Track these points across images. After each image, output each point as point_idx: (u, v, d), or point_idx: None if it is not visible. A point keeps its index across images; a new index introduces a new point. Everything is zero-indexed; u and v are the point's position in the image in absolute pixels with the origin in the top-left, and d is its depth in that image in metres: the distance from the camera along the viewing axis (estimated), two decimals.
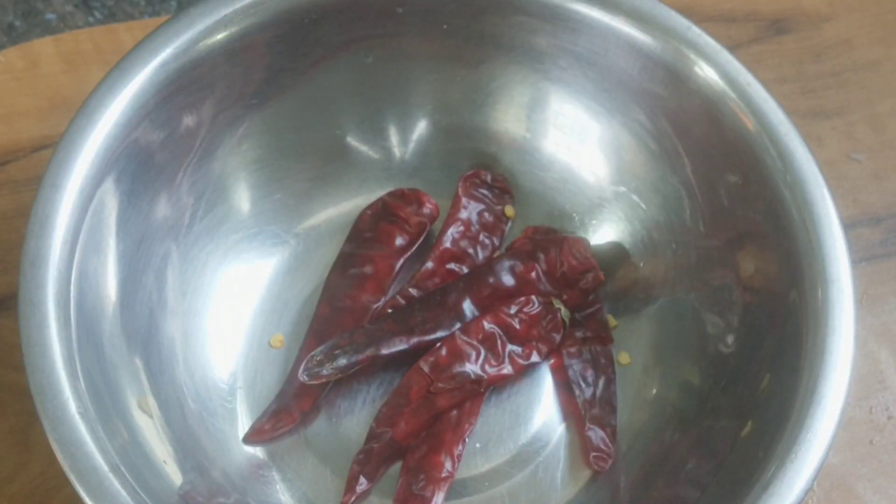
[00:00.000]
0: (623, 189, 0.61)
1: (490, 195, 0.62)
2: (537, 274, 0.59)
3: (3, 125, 0.64)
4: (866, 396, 0.61)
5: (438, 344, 0.56)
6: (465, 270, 0.60)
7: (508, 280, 0.59)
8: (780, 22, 0.71)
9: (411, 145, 0.63)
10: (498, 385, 0.58)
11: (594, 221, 0.62)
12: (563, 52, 0.58)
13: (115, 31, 0.68)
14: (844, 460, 0.59)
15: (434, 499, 0.54)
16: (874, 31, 0.72)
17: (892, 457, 0.59)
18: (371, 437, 0.56)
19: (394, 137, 0.62)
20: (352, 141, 0.62)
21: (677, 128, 0.57)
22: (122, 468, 0.45)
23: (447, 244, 0.60)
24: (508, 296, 0.58)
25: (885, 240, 0.66)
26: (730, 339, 0.55)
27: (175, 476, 0.51)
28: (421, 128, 0.62)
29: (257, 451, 0.56)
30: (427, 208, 0.61)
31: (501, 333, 0.57)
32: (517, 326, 0.57)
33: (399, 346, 0.56)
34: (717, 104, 0.54)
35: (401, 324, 0.57)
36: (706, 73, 0.54)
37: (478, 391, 0.57)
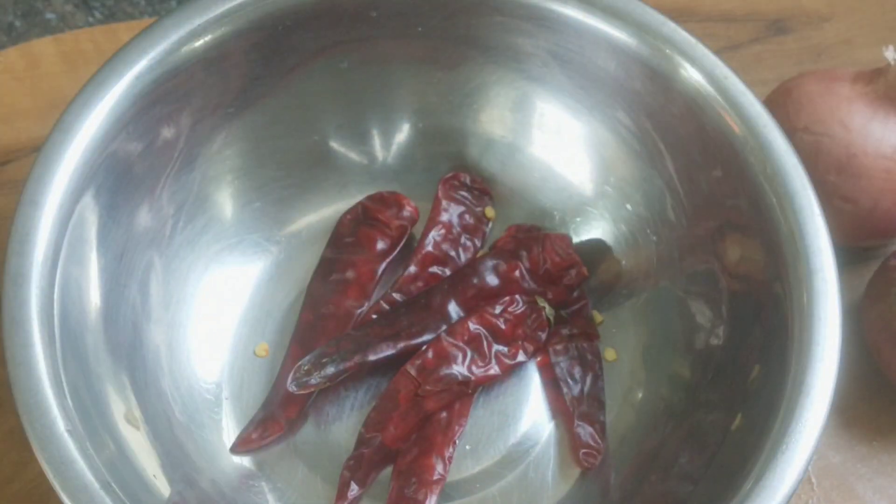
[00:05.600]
0: (605, 186, 0.61)
1: (470, 197, 0.62)
2: (521, 272, 0.59)
3: (3, 125, 0.64)
4: None
5: (425, 347, 0.56)
6: (448, 273, 0.60)
7: (492, 280, 0.59)
8: (780, 22, 0.71)
9: (392, 149, 0.62)
10: (486, 386, 0.58)
11: (577, 219, 0.62)
12: (540, 50, 0.58)
13: (115, 31, 0.68)
14: (844, 460, 0.59)
15: (426, 502, 0.54)
16: (874, 31, 0.72)
17: (892, 457, 0.60)
18: (361, 442, 0.55)
19: (373, 141, 0.62)
20: (331, 147, 0.62)
21: (657, 123, 0.57)
22: (113, 484, 0.45)
23: (429, 248, 0.60)
24: (493, 295, 0.58)
25: None
26: (717, 330, 0.55)
27: (164, 489, 0.50)
28: (401, 131, 0.62)
29: (245, 461, 0.56)
30: (407, 211, 0.61)
31: (487, 334, 0.57)
32: (502, 326, 0.57)
33: (386, 351, 0.56)
34: (694, 98, 0.54)
35: (387, 329, 0.57)
36: (683, 68, 0.55)
37: (466, 392, 0.57)
